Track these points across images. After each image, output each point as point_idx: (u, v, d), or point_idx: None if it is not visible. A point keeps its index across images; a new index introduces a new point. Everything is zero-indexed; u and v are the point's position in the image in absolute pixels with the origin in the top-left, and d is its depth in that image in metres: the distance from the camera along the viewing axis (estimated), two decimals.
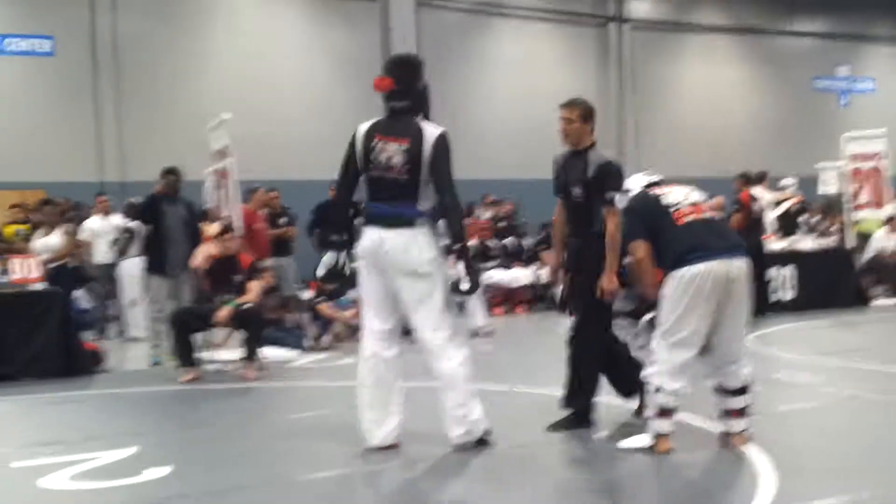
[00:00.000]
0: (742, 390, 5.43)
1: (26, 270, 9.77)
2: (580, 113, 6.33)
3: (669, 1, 26.65)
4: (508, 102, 24.17)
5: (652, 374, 5.32)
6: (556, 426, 6.10)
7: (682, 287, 5.22)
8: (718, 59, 27.08)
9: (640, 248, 5.50)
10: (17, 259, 9.86)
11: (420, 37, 13.56)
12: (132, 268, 11.95)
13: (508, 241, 16.24)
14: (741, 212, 13.30)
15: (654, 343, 5.38)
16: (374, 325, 5.81)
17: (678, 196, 5.61)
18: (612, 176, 6.01)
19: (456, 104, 23.38)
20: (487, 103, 24.10)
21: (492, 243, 16.03)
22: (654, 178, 5.91)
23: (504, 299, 15.54)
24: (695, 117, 26.51)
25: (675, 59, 26.58)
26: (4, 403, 8.23)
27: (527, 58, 24.47)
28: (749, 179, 13.78)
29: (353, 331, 11.87)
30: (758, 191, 14.40)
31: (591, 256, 6.00)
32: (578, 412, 6.14)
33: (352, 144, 5.79)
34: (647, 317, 5.65)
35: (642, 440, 5.41)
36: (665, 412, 5.31)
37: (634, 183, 5.89)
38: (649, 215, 5.55)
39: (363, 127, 5.83)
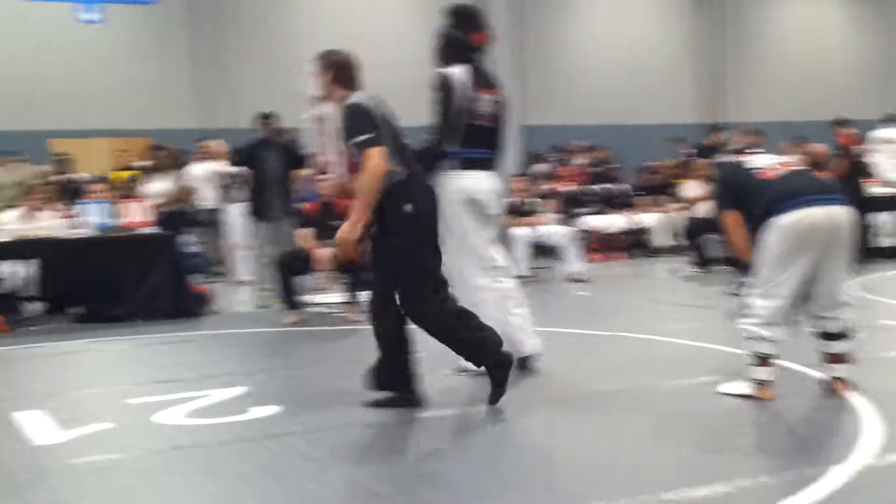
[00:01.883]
0: (844, 335, 5.40)
1: (138, 214, 10.11)
2: (323, 66, 5.73)
3: None
4: (602, 47, 23.88)
5: (748, 322, 5.33)
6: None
7: (778, 235, 5.18)
8: None
9: (728, 218, 5.52)
10: (129, 203, 10.19)
11: None
12: (237, 213, 12.25)
13: (603, 186, 16.14)
14: (842, 157, 13.02)
15: (750, 291, 5.38)
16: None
17: (765, 160, 5.60)
18: (349, 118, 5.43)
19: (550, 49, 23.21)
20: (581, 48, 23.85)
21: (587, 189, 15.96)
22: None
23: (600, 245, 15.51)
24: (794, 59, 25.85)
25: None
26: (120, 343, 8.58)
27: (621, 2, 24.13)
28: (845, 123, 13.44)
29: None
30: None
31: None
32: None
33: (448, 92, 6.08)
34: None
35: (742, 387, 5.43)
36: (763, 359, 5.32)
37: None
38: (735, 182, 5.55)
39: (461, 77, 6.13)
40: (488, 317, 6.05)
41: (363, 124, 5.31)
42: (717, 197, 5.74)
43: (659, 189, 16.31)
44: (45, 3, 18.68)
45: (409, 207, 5.31)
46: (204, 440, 4.94)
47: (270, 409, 5.53)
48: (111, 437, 5.07)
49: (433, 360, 6.05)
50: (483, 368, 5.56)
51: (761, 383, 5.35)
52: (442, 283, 5.49)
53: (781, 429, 5.06)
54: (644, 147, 20.60)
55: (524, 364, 6.32)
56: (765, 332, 5.26)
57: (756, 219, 5.34)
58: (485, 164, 6.30)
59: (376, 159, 5.24)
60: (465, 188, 6.20)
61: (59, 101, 18.14)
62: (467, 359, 5.68)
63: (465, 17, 6.42)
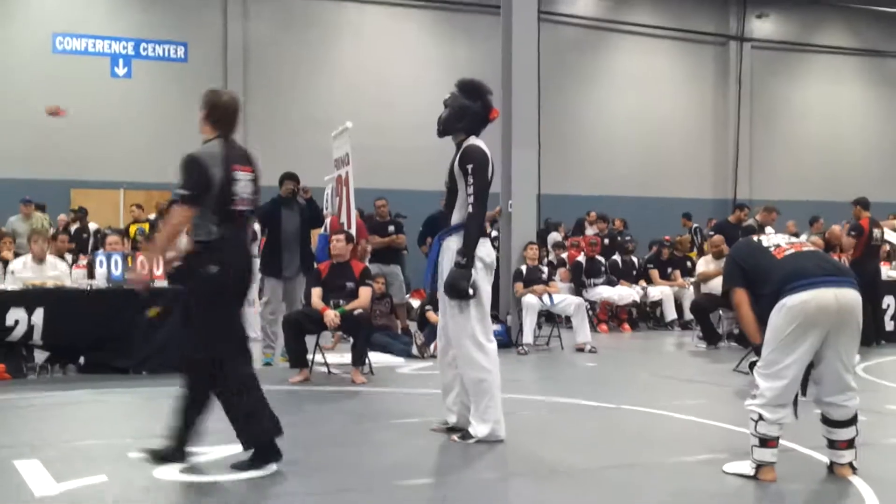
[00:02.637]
0: (849, 422, 5.35)
1: (149, 268, 10.13)
2: (203, 103, 5.68)
3: (793, 21, 26.23)
4: (623, 119, 24.10)
5: (754, 403, 5.29)
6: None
7: (786, 316, 5.16)
8: (840, 80, 26.55)
9: (738, 295, 5.53)
10: (141, 256, 10.23)
11: (541, 51, 13.65)
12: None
13: (616, 257, 16.16)
14: (859, 237, 13.02)
15: (756, 372, 5.35)
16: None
17: (778, 239, 5.61)
18: (182, 168, 5.43)
19: (571, 119, 23.43)
20: (602, 119, 24.08)
21: (600, 259, 15.96)
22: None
23: (610, 316, 15.48)
24: (813, 139, 26.03)
25: (795, 79, 26.14)
26: (125, 395, 8.57)
27: (644, 75, 24.37)
28: (866, 205, 13.47)
29: None
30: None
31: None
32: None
33: (488, 165, 6.38)
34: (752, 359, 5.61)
35: (746, 467, 5.38)
36: (767, 441, 5.27)
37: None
38: (747, 260, 5.55)
39: (488, 152, 6.42)
40: (497, 389, 6.28)
41: (188, 179, 5.35)
42: (727, 274, 5.73)
43: (671, 263, 16.31)
44: (82, 57, 19.04)
45: (213, 269, 5.36)
46: (200, 498, 4.91)
47: (271, 469, 5.48)
48: (106, 491, 5.04)
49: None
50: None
51: (765, 464, 5.30)
52: (240, 350, 5.53)
53: None
54: (659, 220, 20.69)
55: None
56: (769, 415, 5.21)
57: (765, 299, 5.32)
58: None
59: (176, 218, 5.43)
60: (490, 254, 6.45)
61: (84, 152, 18.42)
62: (240, 432, 5.50)
63: (483, 91, 6.63)
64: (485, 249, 6.38)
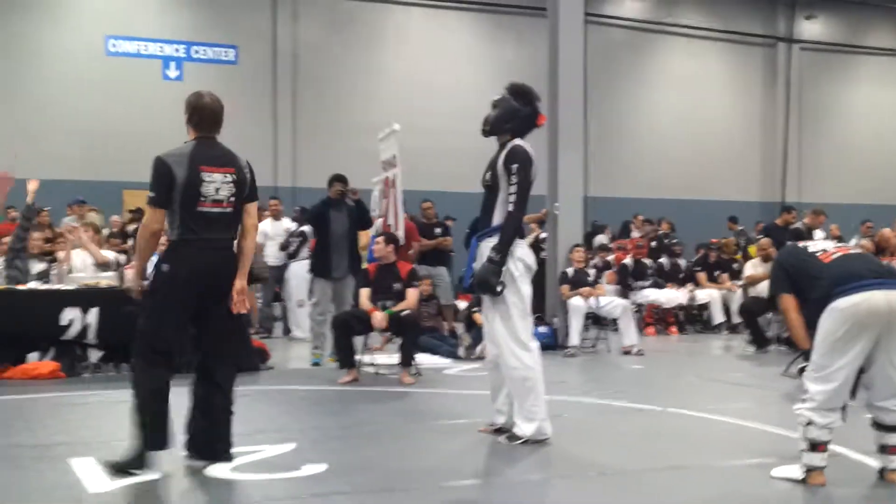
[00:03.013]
0: None
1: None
2: (185, 104, 5.70)
3: (841, 22, 25.95)
4: (670, 121, 23.99)
5: (804, 407, 5.26)
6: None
7: (836, 319, 5.13)
8: (889, 82, 26.26)
9: (785, 301, 5.50)
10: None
11: (587, 53, 13.64)
12: (300, 270, 12.38)
13: (663, 260, 16.10)
14: None
15: (806, 376, 5.33)
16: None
17: (824, 244, 5.60)
18: (152, 171, 5.46)
19: (618, 121, 23.36)
20: (649, 121, 23.98)
21: (647, 262, 15.92)
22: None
23: (657, 319, 15.43)
24: (862, 142, 25.74)
25: (844, 81, 25.86)
26: (175, 395, 8.67)
27: (691, 77, 24.25)
28: None
29: None
30: None
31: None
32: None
33: (531, 166, 6.41)
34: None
35: (795, 471, 5.36)
36: (817, 446, 5.25)
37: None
38: (794, 265, 5.51)
39: (532, 153, 6.45)
40: (541, 388, 6.30)
41: (155, 181, 5.40)
42: (774, 279, 5.71)
43: (719, 266, 16.21)
44: (134, 60, 19.31)
45: (165, 267, 5.40)
46: (252, 496, 4.99)
47: (320, 468, 5.55)
48: (159, 489, 5.14)
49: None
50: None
51: (814, 469, 5.28)
52: (165, 355, 5.40)
53: None
54: (706, 221, 20.56)
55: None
56: (819, 419, 5.19)
57: (814, 303, 5.29)
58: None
59: (146, 219, 5.49)
60: (530, 256, 6.49)
61: (137, 153, 18.62)
62: (137, 438, 5.39)
63: (534, 96, 6.69)
64: (524, 251, 6.42)
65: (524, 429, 6.33)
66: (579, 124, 13.49)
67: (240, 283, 5.49)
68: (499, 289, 6.21)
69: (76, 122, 18.85)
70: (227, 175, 5.45)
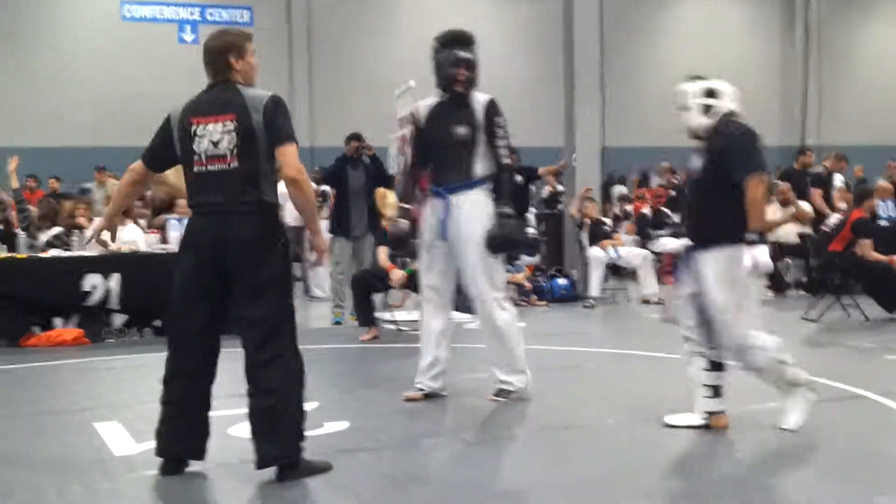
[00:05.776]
0: None
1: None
2: None
3: None
4: (685, 68, 23.67)
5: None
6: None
7: None
8: None
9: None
10: None
11: (603, 7, 13.53)
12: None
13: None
14: None
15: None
16: None
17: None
18: None
19: (636, 73, 23.18)
20: (667, 72, 23.72)
21: (665, 211, 15.85)
22: None
23: (675, 268, 15.39)
24: (884, 83, 25.42)
25: (863, 22, 25.52)
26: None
27: (708, 24, 24.04)
28: None
29: (524, 293, 12.10)
30: None
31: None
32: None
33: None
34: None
35: (694, 418, 5.43)
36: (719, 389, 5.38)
37: None
38: None
39: None
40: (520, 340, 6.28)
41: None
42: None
43: None
44: (150, 25, 19.31)
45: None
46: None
47: (342, 425, 5.61)
48: None
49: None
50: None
51: (715, 413, 5.37)
52: (178, 340, 4.79)
53: None
54: None
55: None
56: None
57: None
58: None
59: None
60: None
61: (153, 119, 18.65)
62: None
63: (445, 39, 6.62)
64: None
65: (517, 381, 6.25)
66: (596, 75, 13.41)
67: (315, 239, 4.94)
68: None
69: (93, 88, 18.90)
70: (228, 123, 4.54)
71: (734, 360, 5.26)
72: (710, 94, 5.44)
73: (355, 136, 10.79)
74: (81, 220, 10.93)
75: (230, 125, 4.54)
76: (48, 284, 9.54)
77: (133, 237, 10.72)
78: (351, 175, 10.65)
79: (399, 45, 20.70)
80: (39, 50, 18.95)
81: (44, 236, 10.51)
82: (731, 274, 5.20)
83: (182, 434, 4.68)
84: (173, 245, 10.17)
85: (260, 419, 4.52)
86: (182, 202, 11.31)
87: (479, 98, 6.32)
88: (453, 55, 6.38)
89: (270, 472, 4.55)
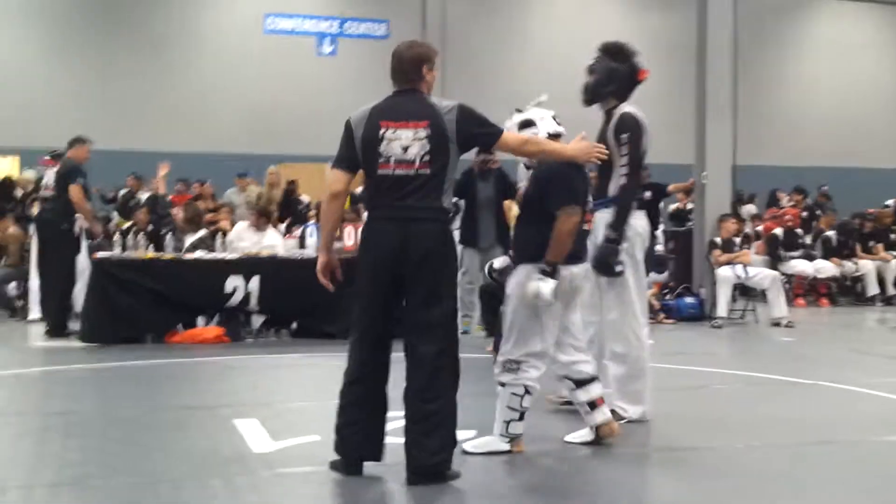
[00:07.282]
0: None
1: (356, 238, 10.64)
2: None
3: None
4: (824, 87, 23.24)
5: None
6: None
7: None
8: None
9: None
10: (350, 227, 10.70)
11: (737, 19, 13.42)
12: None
13: (831, 233, 15.69)
14: None
15: None
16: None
17: None
18: None
19: (770, 89, 22.78)
20: (802, 88, 23.32)
21: (797, 232, 15.60)
22: None
23: (808, 290, 15.11)
24: None
25: None
26: (334, 359, 8.86)
27: (846, 41, 23.47)
28: None
29: (652, 311, 12.05)
30: None
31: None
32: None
33: (641, 132, 6.14)
34: None
35: (585, 434, 5.52)
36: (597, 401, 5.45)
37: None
38: None
39: (642, 119, 6.18)
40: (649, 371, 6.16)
41: (341, 142, 4.96)
42: None
43: (873, 236, 15.74)
44: (289, 38, 19.90)
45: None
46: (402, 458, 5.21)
47: (469, 433, 5.73)
48: (319, 450, 5.33)
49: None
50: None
51: (604, 423, 5.41)
52: (365, 340, 4.89)
53: None
54: (861, 190, 19.94)
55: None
56: None
57: None
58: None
59: (327, 181, 5.01)
60: (645, 227, 6.30)
61: (291, 128, 19.28)
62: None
63: (629, 52, 6.34)
64: (640, 222, 6.17)
65: (630, 411, 6.08)
66: (728, 92, 13.31)
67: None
68: (618, 269, 5.91)
69: (236, 98, 19.56)
70: (420, 130, 4.66)
71: None
72: (527, 125, 5.36)
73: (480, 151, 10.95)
74: (223, 225, 11.37)
75: (422, 132, 4.66)
76: (193, 285, 10.00)
77: (273, 241, 11.11)
78: (480, 187, 10.81)
79: (531, 56, 20.81)
80: (190, 63, 19.75)
81: (189, 239, 10.99)
82: None
83: (364, 437, 4.81)
84: (311, 251, 10.49)
85: (422, 423, 4.70)
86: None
87: (617, 112, 6.16)
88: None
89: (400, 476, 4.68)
